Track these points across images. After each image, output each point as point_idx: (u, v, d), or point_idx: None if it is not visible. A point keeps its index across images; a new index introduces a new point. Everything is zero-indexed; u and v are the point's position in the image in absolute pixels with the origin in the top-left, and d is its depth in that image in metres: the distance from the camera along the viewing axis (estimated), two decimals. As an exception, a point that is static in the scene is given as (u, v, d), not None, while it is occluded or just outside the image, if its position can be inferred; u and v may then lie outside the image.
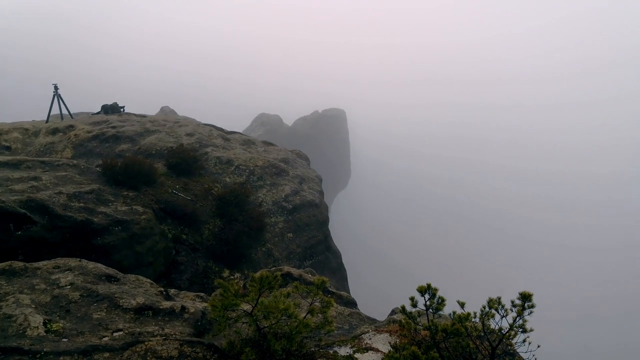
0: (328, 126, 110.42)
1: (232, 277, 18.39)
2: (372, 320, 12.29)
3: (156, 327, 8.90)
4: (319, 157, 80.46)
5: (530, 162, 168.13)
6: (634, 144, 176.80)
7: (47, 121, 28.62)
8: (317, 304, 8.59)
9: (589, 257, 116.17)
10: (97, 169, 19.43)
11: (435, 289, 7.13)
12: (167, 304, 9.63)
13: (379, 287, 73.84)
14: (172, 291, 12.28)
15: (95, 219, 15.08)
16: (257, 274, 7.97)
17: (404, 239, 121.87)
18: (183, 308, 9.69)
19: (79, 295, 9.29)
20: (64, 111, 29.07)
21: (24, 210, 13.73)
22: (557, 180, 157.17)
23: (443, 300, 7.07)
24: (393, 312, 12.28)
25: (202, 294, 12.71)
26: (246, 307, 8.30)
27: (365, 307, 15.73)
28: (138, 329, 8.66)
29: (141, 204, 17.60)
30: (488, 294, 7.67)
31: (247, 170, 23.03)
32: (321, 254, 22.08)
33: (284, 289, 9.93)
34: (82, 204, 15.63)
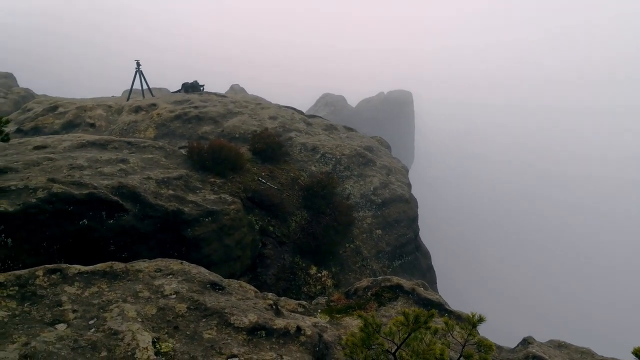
0: (393, 108, 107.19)
1: (319, 274, 17.19)
2: (499, 348, 10.67)
3: (273, 354, 7.70)
4: (383, 140, 77.87)
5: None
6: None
7: (128, 98, 28.36)
8: (471, 347, 7.07)
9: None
10: (182, 151, 18.63)
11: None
12: (280, 323, 8.41)
13: (451, 281, 70.51)
14: (270, 296, 11.13)
15: (185, 209, 14.18)
16: (410, 311, 6.51)
17: (462, 229, 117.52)
18: (298, 329, 8.44)
19: (186, 307, 8.23)
20: (145, 88, 28.69)
21: (116, 198, 12.96)
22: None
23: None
24: (526, 342, 10.56)
25: (303, 303, 11.49)
26: (383, 341, 6.91)
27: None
28: (255, 356, 7.49)
29: (229, 192, 16.61)
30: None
31: (333, 159, 21.63)
32: (411, 253, 20.48)
33: (409, 315, 8.46)
34: (171, 192, 14.77)
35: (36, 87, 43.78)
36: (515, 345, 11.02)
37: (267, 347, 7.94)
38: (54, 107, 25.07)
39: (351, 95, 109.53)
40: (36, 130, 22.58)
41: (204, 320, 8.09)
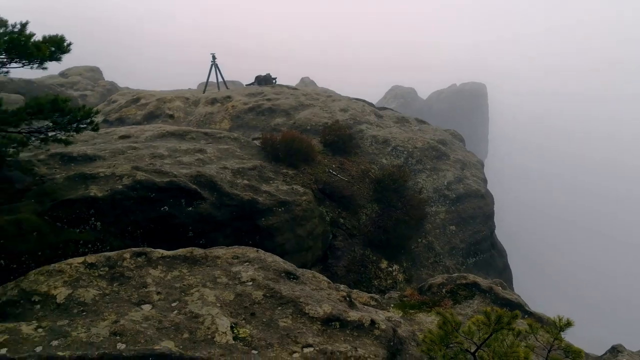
0: (466, 101, 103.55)
1: (390, 268, 16.97)
2: (585, 355, 10.02)
3: (347, 346, 7.63)
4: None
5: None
6: None
7: (204, 91, 29.34)
8: (556, 352, 6.66)
9: None
10: (256, 142, 18.99)
11: None
12: (354, 316, 8.34)
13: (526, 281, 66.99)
14: (343, 287, 11.09)
15: (259, 199, 14.44)
16: (491, 310, 6.22)
17: (539, 228, 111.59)
18: (372, 322, 8.33)
19: (262, 295, 8.35)
20: (221, 80, 29.55)
21: (194, 186, 13.42)
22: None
23: None
24: (615, 350, 9.84)
25: (376, 296, 11.38)
26: (462, 340, 6.65)
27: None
28: (329, 347, 7.46)
29: (301, 183, 16.74)
30: None
31: (405, 152, 21.25)
32: (486, 251, 19.76)
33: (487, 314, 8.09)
34: (246, 182, 15.09)
35: (119, 80, 46.53)
36: (603, 353, 10.31)
37: (342, 338, 7.89)
38: (136, 99, 26.43)
39: (421, 87, 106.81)
40: (120, 121, 23.92)
41: (279, 308, 8.17)
